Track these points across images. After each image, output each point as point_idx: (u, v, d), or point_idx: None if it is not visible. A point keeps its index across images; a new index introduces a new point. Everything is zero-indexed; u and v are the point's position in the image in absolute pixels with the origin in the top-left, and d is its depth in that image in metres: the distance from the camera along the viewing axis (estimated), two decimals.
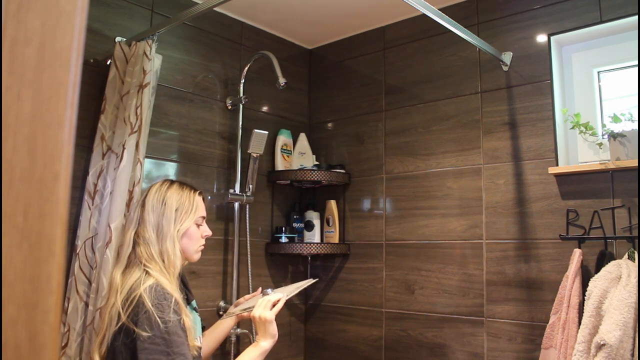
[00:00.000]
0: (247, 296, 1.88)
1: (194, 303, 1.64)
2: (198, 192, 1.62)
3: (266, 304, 1.58)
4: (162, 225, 1.52)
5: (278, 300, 1.61)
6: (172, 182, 1.61)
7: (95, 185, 1.79)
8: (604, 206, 1.81)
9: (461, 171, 2.18)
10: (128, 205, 1.75)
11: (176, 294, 1.44)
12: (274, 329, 1.55)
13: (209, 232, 1.64)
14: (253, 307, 1.61)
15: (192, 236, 1.57)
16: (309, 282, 1.83)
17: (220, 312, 2.22)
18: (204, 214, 1.62)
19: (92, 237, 1.76)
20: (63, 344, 1.68)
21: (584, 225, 1.84)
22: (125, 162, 1.75)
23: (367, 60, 2.57)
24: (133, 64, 1.86)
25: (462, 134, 2.19)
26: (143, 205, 1.55)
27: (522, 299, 1.96)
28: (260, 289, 1.84)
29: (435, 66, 2.32)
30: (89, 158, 1.83)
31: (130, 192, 1.76)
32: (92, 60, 1.93)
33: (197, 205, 1.59)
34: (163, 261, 1.49)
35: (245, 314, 1.72)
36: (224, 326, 1.79)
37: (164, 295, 1.40)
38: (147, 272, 1.46)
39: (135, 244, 1.52)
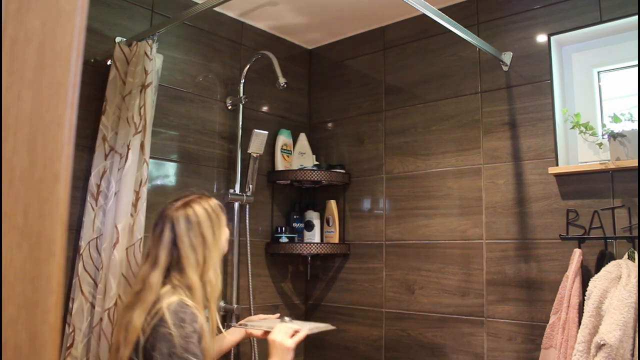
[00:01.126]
0: (261, 316, 1.79)
1: (205, 312, 1.60)
2: (207, 196, 1.53)
3: (286, 331, 1.49)
4: (206, 258, 1.42)
5: (298, 330, 1.51)
6: (186, 204, 1.46)
7: (99, 186, 1.79)
8: (604, 206, 1.81)
9: (461, 171, 2.18)
10: (135, 205, 1.76)
11: (202, 315, 1.36)
12: (291, 358, 1.46)
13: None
14: (270, 328, 1.53)
15: (226, 243, 1.52)
16: (328, 327, 1.68)
17: (221, 312, 2.22)
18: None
19: (96, 237, 1.76)
20: (68, 345, 1.68)
21: (584, 225, 1.84)
22: (130, 162, 1.75)
23: (367, 60, 2.57)
24: (134, 64, 1.86)
25: (462, 134, 2.19)
26: (176, 246, 1.41)
27: (522, 299, 1.96)
28: (278, 314, 1.77)
29: (435, 66, 2.32)
30: (90, 159, 1.83)
31: (137, 193, 1.76)
32: (92, 61, 1.93)
33: (220, 213, 1.51)
34: (205, 291, 1.41)
35: (258, 332, 1.64)
36: (230, 340, 1.71)
37: (187, 314, 1.33)
38: (173, 288, 1.37)
39: (170, 290, 1.38)
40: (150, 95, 1.84)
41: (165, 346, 1.28)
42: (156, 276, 1.38)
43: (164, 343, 1.28)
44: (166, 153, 2.13)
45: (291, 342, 1.46)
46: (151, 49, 1.86)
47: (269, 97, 2.57)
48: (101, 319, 1.67)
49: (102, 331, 1.66)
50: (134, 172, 1.76)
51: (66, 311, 1.73)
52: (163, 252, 1.40)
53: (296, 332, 1.51)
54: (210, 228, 1.45)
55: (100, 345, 1.66)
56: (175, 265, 1.40)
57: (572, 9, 1.96)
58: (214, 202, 1.51)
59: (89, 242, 1.75)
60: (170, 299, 1.34)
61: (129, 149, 1.76)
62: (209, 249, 1.43)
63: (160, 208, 1.50)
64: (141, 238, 1.76)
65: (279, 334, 1.48)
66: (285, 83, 2.09)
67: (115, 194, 1.76)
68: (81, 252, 1.74)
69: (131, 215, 1.75)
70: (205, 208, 1.47)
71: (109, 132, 1.83)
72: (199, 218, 1.44)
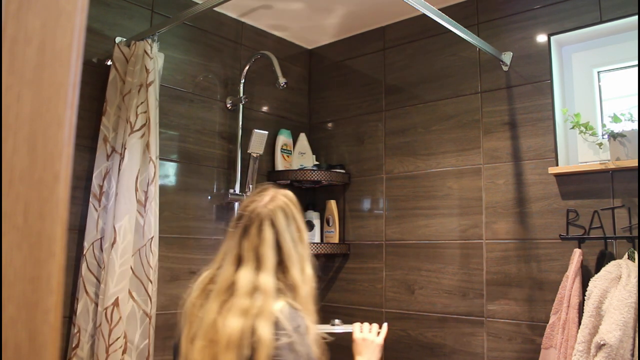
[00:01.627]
0: None
1: None
2: (279, 187, 1.39)
3: (372, 329, 1.51)
4: (304, 257, 1.28)
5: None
6: (275, 198, 1.30)
7: (101, 187, 1.80)
8: (604, 206, 1.81)
9: (461, 171, 2.18)
10: (144, 205, 1.75)
11: (309, 318, 1.24)
12: (380, 355, 1.48)
13: None
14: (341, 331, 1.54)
15: None
16: (385, 326, 1.59)
17: None
18: None
19: (100, 238, 1.76)
20: (74, 345, 1.69)
21: (584, 225, 1.84)
22: (127, 161, 1.75)
23: (367, 60, 2.57)
24: (133, 64, 1.86)
25: (462, 134, 2.19)
26: (278, 244, 1.25)
27: (522, 299, 1.96)
28: None
29: (435, 66, 2.32)
30: (92, 159, 1.83)
31: (145, 192, 1.76)
32: (93, 61, 1.93)
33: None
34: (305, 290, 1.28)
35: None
36: None
37: (301, 318, 1.20)
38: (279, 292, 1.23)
39: (276, 293, 1.22)
40: (154, 94, 1.84)
41: (291, 357, 1.14)
42: (268, 280, 1.21)
43: (290, 354, 1.14)
44: (166, 153, 2.13)
45: (381, 340, 1.50)
46: (151, 47, 1.86)
47: (269, 97, 2.57)
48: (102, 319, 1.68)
49: (101, 333, 1.66)
50: (131, 172, 1.76)
51: (72, 312, 1.73)
52: (268, 252, 1.23)
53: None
54: (300, 217, 1.32)
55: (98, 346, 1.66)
56: (278, 266, 1.25)
57: (572, 9, 1.96)
58: (289, 192, 1.37)
59: (92, 243, 1.75)
60: (279, 304, 1.19)
61: (125, 148, 1.76)
62: (304, 242, 1.30)
63: (243, 208, 1.31)
64: (152, 237, 1.76)
65: (367, 333, 1.51)
66: (285, 83, 2.09)
67: (116, 194, 1.76)
68: (85, 252, 1.74)
69: (141, 215, 1.75)
70: (289, 199, 1.33)
71: (109, 133, 1.84)
72: (292, 210, 1.31)
